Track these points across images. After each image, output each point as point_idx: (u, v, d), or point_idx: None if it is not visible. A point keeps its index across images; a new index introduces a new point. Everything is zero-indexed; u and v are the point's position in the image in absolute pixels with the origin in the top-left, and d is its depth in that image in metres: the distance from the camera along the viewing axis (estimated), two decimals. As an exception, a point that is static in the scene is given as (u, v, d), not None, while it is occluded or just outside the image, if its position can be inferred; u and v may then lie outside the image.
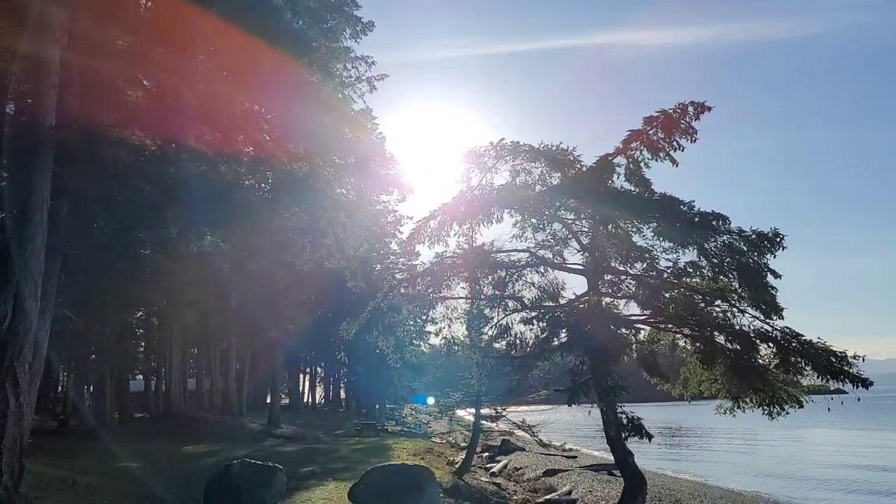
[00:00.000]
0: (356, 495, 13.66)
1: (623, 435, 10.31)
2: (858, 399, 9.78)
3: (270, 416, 37.03)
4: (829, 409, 10.11)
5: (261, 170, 19.86)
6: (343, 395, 77.53)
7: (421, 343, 53.12)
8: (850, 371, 9.52)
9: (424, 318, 12.60)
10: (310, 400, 77.29)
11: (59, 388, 52.56)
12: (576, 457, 34.19)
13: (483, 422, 25.49)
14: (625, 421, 9.93)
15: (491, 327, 13.70)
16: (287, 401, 65.71)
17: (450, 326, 14.22)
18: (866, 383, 9.47)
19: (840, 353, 9.70)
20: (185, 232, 16.11)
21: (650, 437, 9.80)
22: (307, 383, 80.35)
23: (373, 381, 61.28)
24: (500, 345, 14.29)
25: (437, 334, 22.73)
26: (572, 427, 60.75)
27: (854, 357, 9.66)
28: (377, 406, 65.02)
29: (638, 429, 9.73)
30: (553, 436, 28.87)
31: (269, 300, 38.24)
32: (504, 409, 25.56)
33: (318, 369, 79.64)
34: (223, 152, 14.59)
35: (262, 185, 21.55)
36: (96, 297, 22.03)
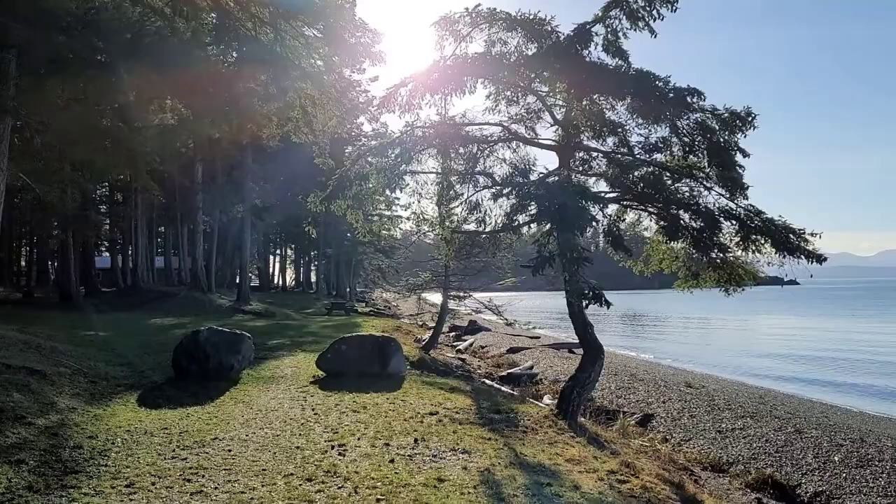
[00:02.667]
0: (324, 363, 13.99)
1: (584, 304, 10.57)
2: (811, 275, 10.04)
3: (240, 292, 37.39)
4: (794, 278, 10.33)
5: (225, 39, 18.82)
6: (314, 277, 78.37)
7: (391, 228, 53.34)
8: (807, 247, 9.75)
9: (394, 188, 12.40)
10: (280, 282, 78.00)
11: (23, 262, 52.13)
12: (538, 337, 35.55)
13: (450, 302, 26.03)
14: (586, 290, 10.16)
15: (461, 203, 13.62)
16: (257, 282, 66.25)
17: (419, 202, 14.11)
18: (820, 259, 9.73)
19: (799, 230, 9.89)
20: (144, 96, 15.37)
21: (609, 304, 10.08)
22: (277, 265, 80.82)
23: (343, 263, 61.93)
24: (470, 225, 14.30)
25: (406, 216, 22.68)
26: (536, 312, 62.76)
27: (812, 234, 9.88)
28: (347, 289, 66.10)
29: (598, 297, 9.97)
30: (518, 317, 29.80)
31: (236, 176, 37.61)
32: (471, 292, 26.04)
33: (289, 251, 79.97)
34: (181, 10, 13.64)
35: (227, 58, 20.51)
36: (54, 163, 21.32)
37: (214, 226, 44.12)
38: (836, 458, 11.76)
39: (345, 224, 41.49)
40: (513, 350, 28.40)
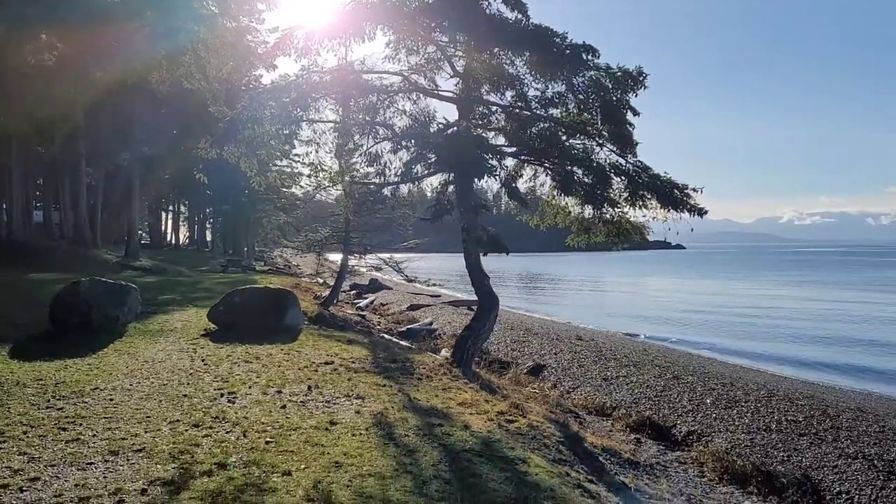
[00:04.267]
0: (216, 316, 13.60)
1: (482, 252, 10.77)
2: (692, 229, 10.63)
3: (128, 248, 35.51)
4: (676, 232, 10.80)
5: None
6: (209, 236, 75.57)
7: (292, 184, 52.07)
8: (689, 202, 10.32)
9: (289, 135, 12.03)
10: (173, 240, 74.64)
11: None
12: (439, 296, 35.98)
13: (351, 259, 25.84)
14: (485, 238, 10.34)
15: (360, 154, 13.44)
16: (148, 240, 63.11)
17: (317, 152, 13.78)
18: (701, 212, 10.34)
19: (682, 185, 10.45)
20: (16, 28, 14.06)
21: (507, 251, 10.33)
22: (170, 222, 77.21)
23: (240, 221, 59.97)
24: (370, 178, 14.17)
25: (307, 173, 22.19)
26: (437, 272, 63.54)
27: (693, 189, 10.47)
28: (245, 248, 64.20)
29: (496, 243, 10.20)
30: (419, 276, 30.05)
31: (123, 122, 35.29)
32: (371, 249, 25.88)
33: (182, 208, 76.55)
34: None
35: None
36: None
37: (100, 178, 41.37)
38: (708, 401, 12.69)
39: (243, 180, 39.95)
40: (413, 307, 28.65)
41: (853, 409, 12.07)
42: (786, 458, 9.85)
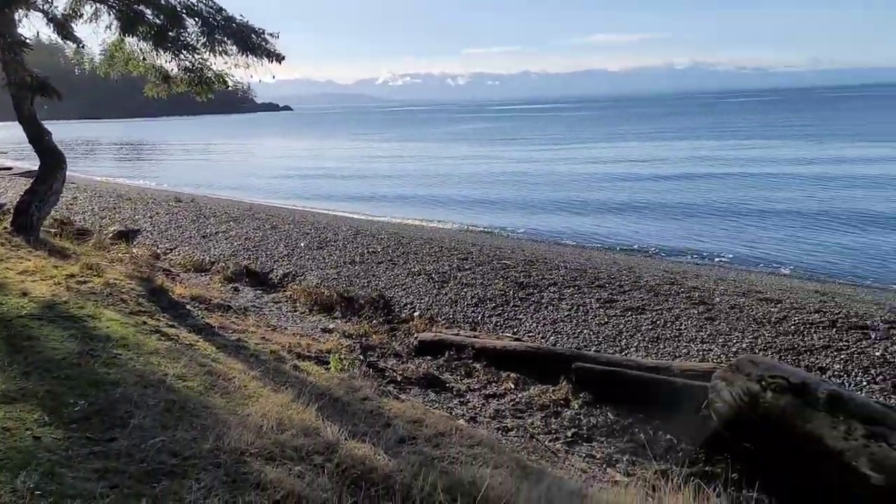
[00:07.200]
0: None
1: (30, 98, 9.23)
2: (274, 76, 10.66)
3: None
4: (257, 80, 10.71)
5: None
6: None
7: None
8: (267, 47, 10.23)
9: None
10: None
11: None
12: (10, 168, 30.73)
13: None
14: (30, 80, 8.82)
15: None
16: None
17: None
18: (279, 58, 10.37)
19: (259, 29, 10.25)
20: None
21: (59, 95, 9.03)
22: None
23: None
24: None
25: None
26: (4, 143, 54.28)
27: (271, 34, 10.36)
28: None
29: (43, 87, 8.81)
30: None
31: None
32: None
33: None
34: None
35: None
36: None
37: None
38: (302, 244, 13.52)
39: None
40: (-27, 183, 23.86)
41: (423, 239, 14.10)
42: (366, 284, 11.14)
